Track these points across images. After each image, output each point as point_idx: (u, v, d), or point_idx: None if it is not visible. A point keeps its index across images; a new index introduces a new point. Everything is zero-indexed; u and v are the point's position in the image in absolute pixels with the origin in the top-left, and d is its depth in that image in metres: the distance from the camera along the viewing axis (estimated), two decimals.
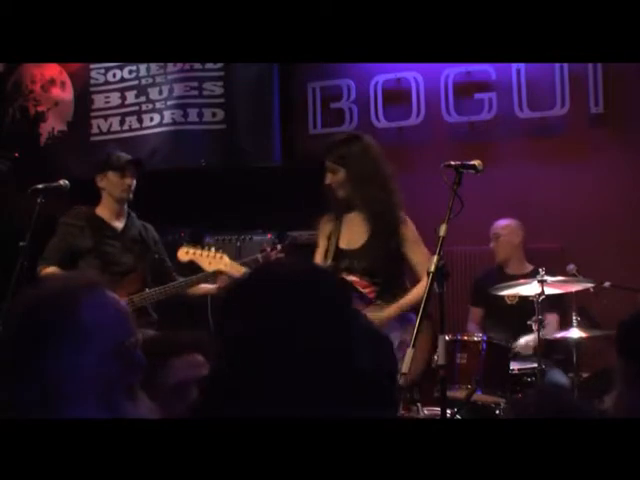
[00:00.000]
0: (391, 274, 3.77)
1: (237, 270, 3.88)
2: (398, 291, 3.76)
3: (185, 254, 4.03)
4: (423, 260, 3.65)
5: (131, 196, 4.39)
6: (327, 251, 3.84)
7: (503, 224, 5.10)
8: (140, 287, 4.18)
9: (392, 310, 3.68)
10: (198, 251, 4.00)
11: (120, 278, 4.19)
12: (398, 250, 3.75)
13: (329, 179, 3.77)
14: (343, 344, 1.31)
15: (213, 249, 4.00)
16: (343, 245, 3.82)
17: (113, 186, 4.34)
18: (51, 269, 4.21)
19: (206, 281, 4.12)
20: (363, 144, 3.81)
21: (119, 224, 4.39)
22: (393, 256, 3.75)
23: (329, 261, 3.79)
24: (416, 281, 3.76)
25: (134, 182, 4.37)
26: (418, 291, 3.65)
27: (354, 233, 3.81)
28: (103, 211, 4.38)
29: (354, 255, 3.78)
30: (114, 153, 4.53)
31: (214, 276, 4.03)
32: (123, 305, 1.49)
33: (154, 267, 4.35)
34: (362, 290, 3.72)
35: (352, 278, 3.74)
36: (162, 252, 4.47)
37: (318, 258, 3.86)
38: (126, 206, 4.44)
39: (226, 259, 3.94)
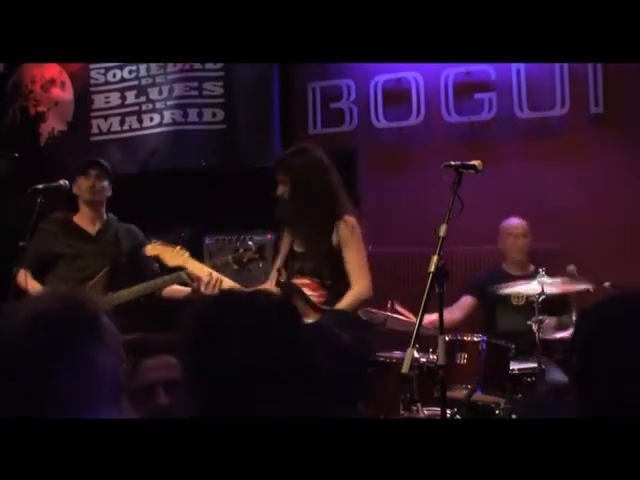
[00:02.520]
0: (337, 277, 3.83)
1: (197, 268, 3.92)
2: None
3: (152, 249, 4.07)
4: (355, 263, 3.79)
5: (99, 197, 4.35)
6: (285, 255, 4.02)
7: (524, 223, 5.07)
8: (102, 291, 4.11)
9: (324, 315, 3.70)
10: (164, 247, 4.04)
11: (87, 282, 4.17)
12: (338, 252, 3.82)
13: (279, 190, 3.90)
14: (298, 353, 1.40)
15: (178, 247, 4.03)
16: (296, 248, 3.96)
17: (81, 190, 4.34)
18: (24, 273, 4.16)
19: (178, 282, 4.06)
20: (309, 156, 3.93)
21: (94, 228, 4.38)
22: (333, 258, 3.82)
23: (280, 263, 3.97)
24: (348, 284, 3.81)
25: (102, 183, 4.33)
26: (349, 297, 3.75)
27: (303, 237, 3.94)
28: (79, 217, 4.40)
29: (302, 257, 3.91)
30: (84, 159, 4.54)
31: (179, 278, 4.01)
32: None
33: (125, 270, 4.28)
34: (310, 295, 3.79)
35: (304, 281, 3.85)
36: (142, 255, 4.31)
37: (278, 262, 4.02)
38: (104, 210, 4.42)
39: (187, 256, 3.96)
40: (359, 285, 3.77)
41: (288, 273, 3.93)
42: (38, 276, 4.24)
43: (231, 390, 1.37)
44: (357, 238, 3.84)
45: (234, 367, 1.38)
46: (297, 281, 3.86)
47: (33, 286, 4.16)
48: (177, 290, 4.14)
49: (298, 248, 3.96)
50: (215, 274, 3.85)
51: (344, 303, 3.74)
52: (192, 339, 1.48)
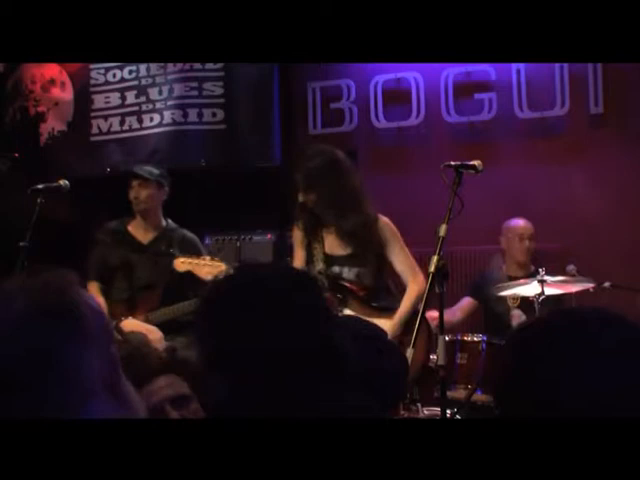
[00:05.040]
0: (379, 279, 3.86)
1: None
2: (385, 294, 3.86)
3: (181, 264, 3.92)
4: (406, 261, 3.81)
5: (143, 207, 4.33)
6: (311, 257, 3.89)
7: (530, 225, 5.02)
8: (156, 304, 4.10)
9: (398, 321, 3.72)
10: (194, 260, 3.89)
11: (141, 293, 4.16)
12: (381, 254, 3.83)
13: (302, 197, 3.82)
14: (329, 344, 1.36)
15: (208, 257, 3.93)
16: (329, 251, 3.88)
17: (131, 200, 4.35)
18: (93, 284, 4.22)
19: None
20: (327, 160, 3.82)
21: (146, 237, 4.37)
22: (379, 261, 3.84)
23: (319, 266, 3.85)
24: (402, 284, 3.84)
25: (146, 192, 4.33)
26: (412, 297, 3.75)
27: (336, 241, 3.87)
28: (133, 225, 4.40)
29: (343, 262, 3.84)
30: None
31: None
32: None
33: (177, 282, 4.16)
34: (358, 293, 3.77)
35: (345, 283, 3.83)
36: None
37: (298, 264, 3.89)
38: (160, 217, 4.42)
39: (223, 266, 3.79)
40: (418, 281, 3.74)
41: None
42: (105, 288, 4.25)
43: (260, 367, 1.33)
44: (399, 236, 3.86)
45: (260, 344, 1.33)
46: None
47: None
48: None
49: (331, 251, 3.87)
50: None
51: (408, 302, 3.73)
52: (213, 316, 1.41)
